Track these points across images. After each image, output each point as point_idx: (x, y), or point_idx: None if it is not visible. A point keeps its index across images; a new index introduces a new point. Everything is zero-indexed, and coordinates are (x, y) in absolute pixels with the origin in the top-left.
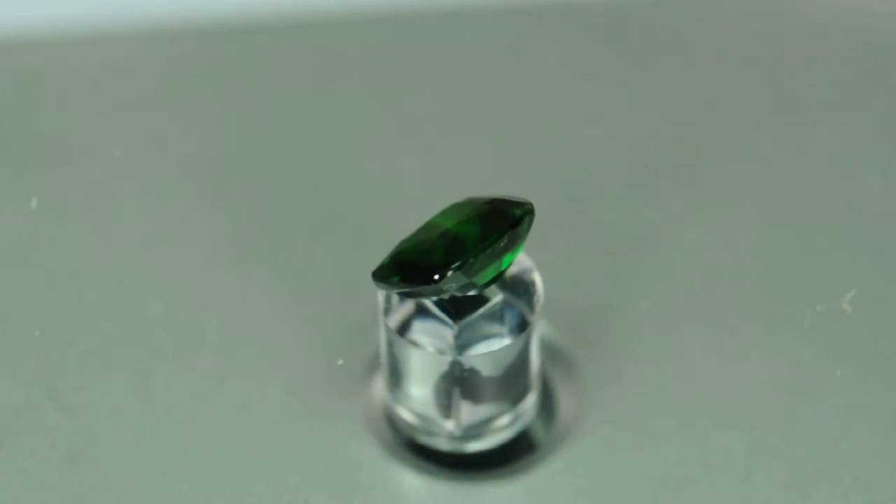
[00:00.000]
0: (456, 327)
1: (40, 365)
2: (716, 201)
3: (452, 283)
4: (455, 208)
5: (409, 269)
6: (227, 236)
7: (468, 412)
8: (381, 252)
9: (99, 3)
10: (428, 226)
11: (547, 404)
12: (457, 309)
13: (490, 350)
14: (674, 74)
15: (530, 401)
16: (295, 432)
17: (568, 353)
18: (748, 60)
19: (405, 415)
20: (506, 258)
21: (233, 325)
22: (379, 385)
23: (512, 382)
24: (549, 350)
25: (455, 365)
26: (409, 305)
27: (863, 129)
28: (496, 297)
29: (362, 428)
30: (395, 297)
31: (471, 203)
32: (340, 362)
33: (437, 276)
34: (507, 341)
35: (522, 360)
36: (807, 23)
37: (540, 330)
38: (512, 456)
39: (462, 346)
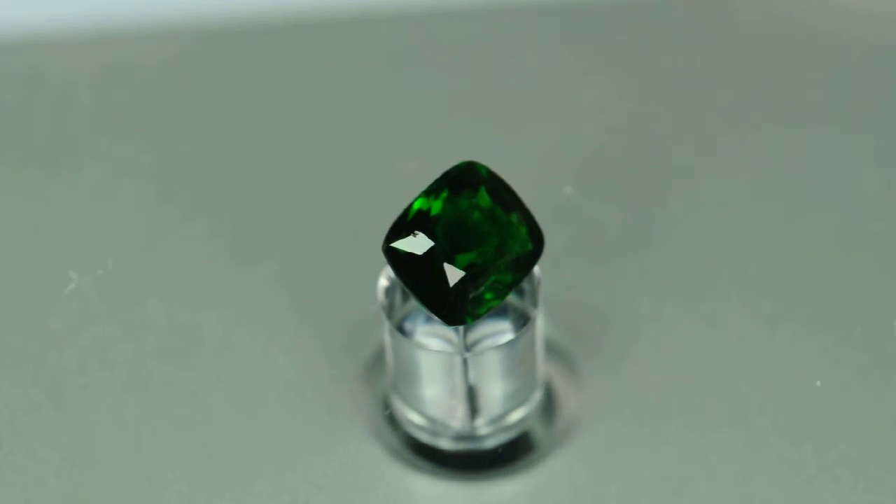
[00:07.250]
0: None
1: (40, 365)
2: (716, 201)
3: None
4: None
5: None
6: (227, 236)
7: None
8: (380, 251)
9: (99, 3)
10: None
11: (547, 404)
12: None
13: (497, 344)
14: (674, 74)
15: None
16: (295, 432)
17: (568, 353)
18: (748, 60)
19: (409, 415)
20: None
21: (233, 325)
22: (380, 385)
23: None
24: (549, 350)
25: (463, 362)
26: (410, 305)
27: (863, 129)
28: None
29: (362, 428)
30: (397, 297)
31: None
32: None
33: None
34: (510, 336)
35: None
36: (807, 22)
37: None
38: (512, 456)
39: (470, 342)
